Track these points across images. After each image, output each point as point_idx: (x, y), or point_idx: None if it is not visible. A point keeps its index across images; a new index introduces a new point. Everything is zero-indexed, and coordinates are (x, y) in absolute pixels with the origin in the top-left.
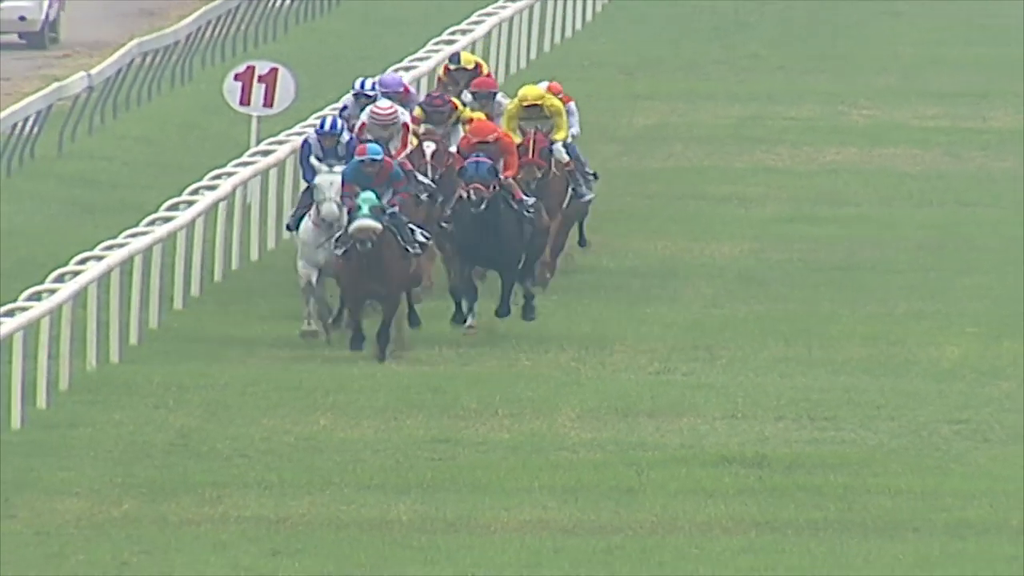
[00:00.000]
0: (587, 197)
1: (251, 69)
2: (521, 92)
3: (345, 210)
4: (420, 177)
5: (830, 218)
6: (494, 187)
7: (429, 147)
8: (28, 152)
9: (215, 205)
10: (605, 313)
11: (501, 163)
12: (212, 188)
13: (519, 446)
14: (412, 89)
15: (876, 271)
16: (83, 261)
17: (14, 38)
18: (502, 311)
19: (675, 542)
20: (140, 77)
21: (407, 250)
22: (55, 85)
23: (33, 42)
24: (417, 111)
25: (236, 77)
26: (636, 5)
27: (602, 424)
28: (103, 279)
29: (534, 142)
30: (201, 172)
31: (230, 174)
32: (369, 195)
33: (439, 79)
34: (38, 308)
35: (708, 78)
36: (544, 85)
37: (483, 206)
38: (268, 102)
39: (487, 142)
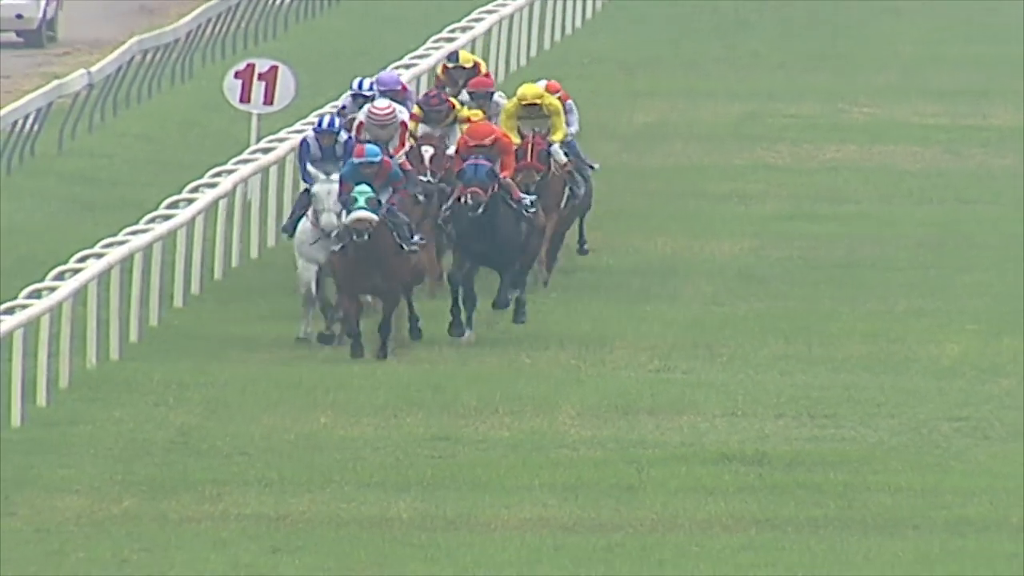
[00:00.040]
0: (581, 191)
1: (251, 67)
2: (520, 91)
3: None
4: (418, 178)
5: (830, 216)
6: (492, 189)
7: (427, 151)
8: (28, 150)
9: (215, 203)
10: (605, 311)
11: (498, 164)
12: (212, 186)
13: (519, 444)
14: (409, 87)
15: (876, 269)
16: (83, 259)
17: (12, 36)
18: (500, 303)
19: (675, 540)
20: (140, 75)
21: (402, 247)
22: (55, 83)
23: (31, 40)
24: (416, 110)
25: (236, 75)
26: (636, 3)
27: (602, 422)
28: (103, 277)
29: (532, 145)
30: (201, 170)
31: (230, 172)
32: (364, 188)
33: (437, 78)
34: (38, 306)
35: (708, 76)
36: (542, 84)
37: (480, 210)
38: (268, 100)
39: (484, 145)
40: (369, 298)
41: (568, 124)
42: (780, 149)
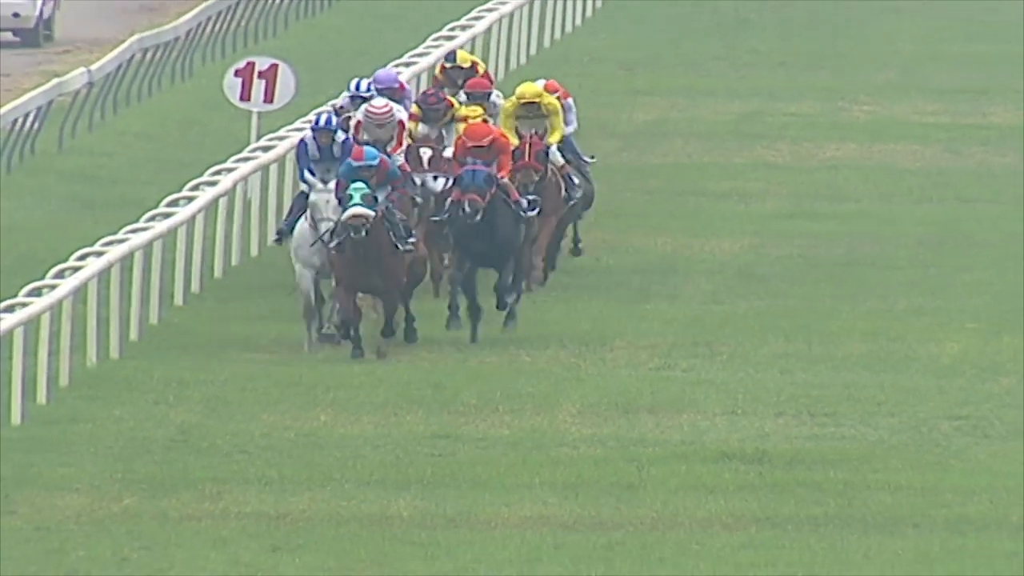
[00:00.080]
0: (578, 194)
1: (251, 65)
2: (519, 89)
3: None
4: (417, 179)
5: (830, 214)
6: (490, 195)
7: (425, 153)
8: (28, 148)
9: (215, 201)
10: (605, 309)
11: (496, 164)
12: (212, 184)
13: (519, 442)
14: (408, 86)
15: (876, 267)
16: (83, 257)
17: (8, 36)
18: (501, 304)
19: (675, 538)
20: (140, 73)
21: (398, 246)
22: (55, 81)
23: (27, 39)
24: (414, 109)
25: (236, 73)
26: (636, 1)
27: (602, 420)
28: (103, 275)
29: (530, 145)
30: (201, 168)
31: (230, 170)
32: (360, 184)
33: (435, 78)
34: (38, 304)
35: (708, 74)
36: (541, 83)
37: (479, 217)
38: (268, 98)
39: (482, 146)
40: (369, 305)
41: (567, 123)
42: (780, 147)
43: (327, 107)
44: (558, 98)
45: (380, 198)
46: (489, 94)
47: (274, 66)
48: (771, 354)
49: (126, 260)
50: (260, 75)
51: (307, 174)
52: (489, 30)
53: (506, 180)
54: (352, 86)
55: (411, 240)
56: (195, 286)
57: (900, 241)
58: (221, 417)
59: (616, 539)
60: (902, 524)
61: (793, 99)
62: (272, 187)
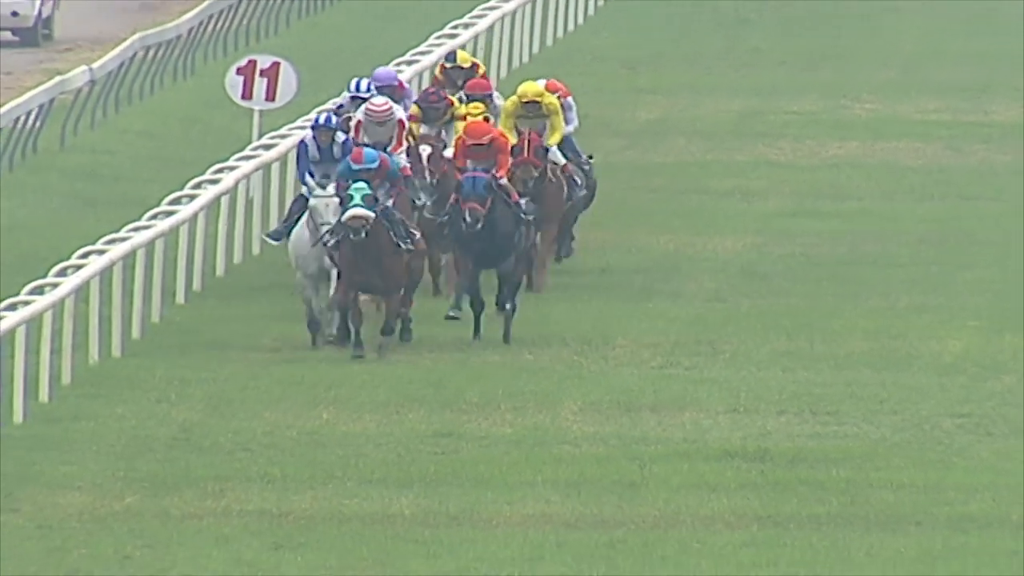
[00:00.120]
0: (581, 193)
1: (253, 63)
2: (520, 89)
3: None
4: (417, 182)
5: (832, 212)
6: (490, 202)
7: (425, 150)
8: (30, 146)
9: (217, 199)
10: (608, 307)
11: (495, 162)
12: (214, 182)
13: (521, 440)
14: (407, 86)
15: (878, 265)
16: (85, 255)
17: (7, 35)
18: (501, 304)
19: (677, 536)
20: (142, 71)
21: (399, 245)
22: (57, 79)
23: (26, 38)
24: (414, 108)
25: (238, 71)
26: (638, 0)
27: (605, 418)
28: (105, 273)
29: (528, 141)
30: (203, 166)
31: (232, 168)
32: (361, 185)
33: (435, 78)
34: (40, 302)
35: (710, 72)
36: (542, 83)
37: (480, 226)
38: (270, 96)
39: (481, 144)
40: (372, 304)
41: (567, 121)
42: (782, 145)
43: (330, 104)
44: (559, 97)
45: (380, 196)
46: (489, 95)
47: (276, 64)
48: (773, 352)
49: (128, 258)
50: (262, 73)
51: (307, 177)
52: (491, 28)
53: (505, 181)
54: (352, 86)
55: (414, 238)
56: (197, 284)
57: (902, 239)
58: (223, 415)
59: (618, 537)
60: (904, 522)
61: (795, 97)
62: (274, 185)
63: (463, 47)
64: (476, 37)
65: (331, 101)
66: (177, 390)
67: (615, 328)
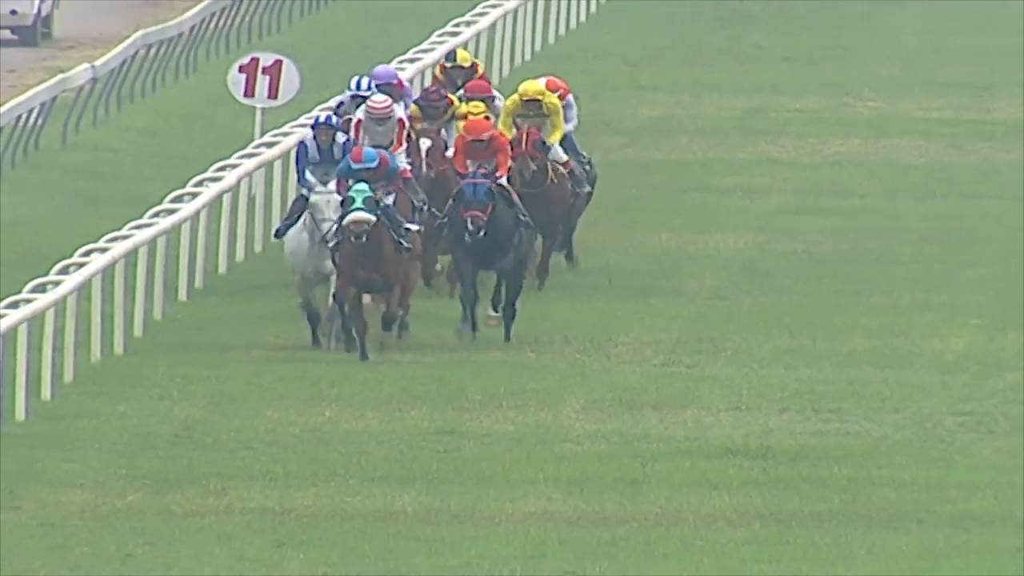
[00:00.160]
0: (587, 189)
1: (255, 61)
2: (521, 87)
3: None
4: (417, 187)
5: (834, 210)
6: (491, 209)
7: (425, 143)
8: (32, 143)
9: (219, 197)
10: (609, 305)
11: (495, 162)
12: (216, 180)
13: (523, 438)
14: (407, 85)
15: (880, 263)
16: (87, 253)
17: (7, 34)
18: (496, 304)
19: (679, 534)
20: (144, 69)
21: (400, 243)
22: (59, 76)
23: (25, 37)
24: (413, 108)
25: (240, 69)
26: None
27: (607, 416)
28: (107, 271)
29: (527, 134)
30: (205, 164)
31: (234, 166)
32: (362, 186)
33: (435, 77)
34: (43, 300)
35: (712, 69)
36: (543, 81)
37: (482, 233)
38: (272, 94)
39: (481, 140)
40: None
41: (567, 120)
42: (784, 143)
43: (331, 102)
44: (560, 96)
45: (381, 195)
46: (490, 97)
47: (278, 62)
48: (775, 350)
49: (130, 256)
50: (264, 71)
51: (307, 175)
52: (493, 26)
53: (505, 182)
54: (352, 84)
55: (411, 230)
56: (199, 282)
57: (904, 237)
58: (225, 413)
59: (620, 535)
60: (906, 520)
61: (797, 95)
62: (276, 183)
63: (465, 45)
64: (478, 35)
65: (333, 99)
66: (179, 387)
67: (617, 326)
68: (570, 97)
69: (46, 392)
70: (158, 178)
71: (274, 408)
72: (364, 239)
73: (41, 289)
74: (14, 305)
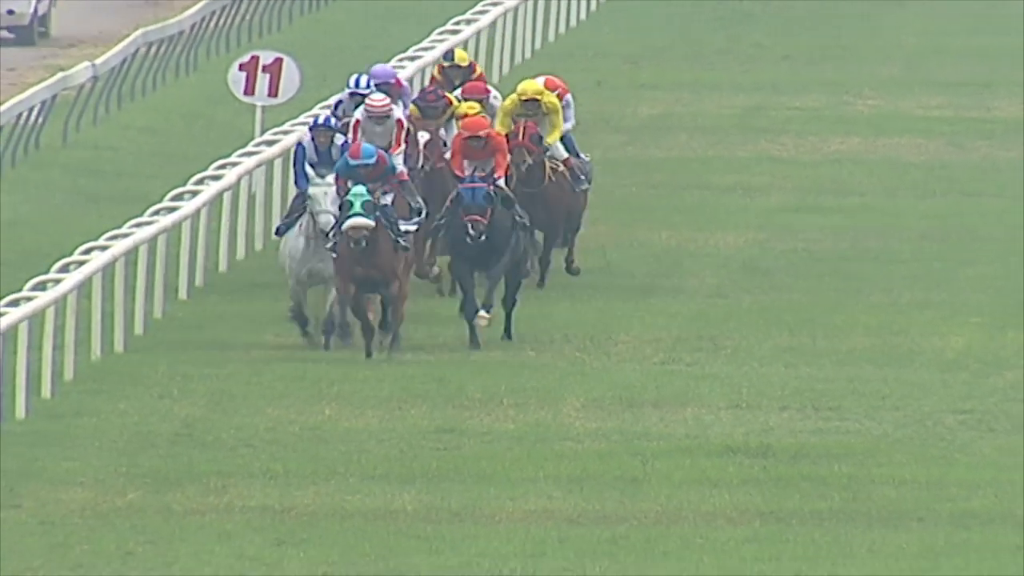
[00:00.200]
0: (584, 186)
1: (255, 59)
2: (520, 87)
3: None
4: (414, 188)
5: (834, 208)
6: (491, 213)
7: (423, 136)
8: (33, 142)
9: (220, 195)
10: (610, 303)
11: (492, 163)
12: (217, 178)
13: (524, 436)
14: (406, 84)
15: (880, 261)
16: (88, 251)
17: (3, 33)
18: (486, 306)
19: (680, 532)
20: (145, 67)
21: (398, 242)
22: (60, 75)
23: (22, 37)
24: (412, 109)
25: (241, 67)
26: None
27: (607, 414)
28: (108, 269)
29: (524, 127)
30: (206, 162)
31: (235, 164)
32: (360, 190)
33: (432, 77)
34: (43, 298)
35: (713, 68)
36: (541, 80)
37: (483, 237)
38: (273, 92)
39: (479, 137)
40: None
41: (565, 119)
42: (784, 141)
43: (331, 100)
44: (558, 95)
45: (379, 194)
46: (488, 97)
47: (278, 60)
48: (775, 348)
49: (130, 254)
50: (264, 69)
51: (307, 167)
52: (494, 24)
53: (504, 185)
54: (351, 82)
55: (408, 230)
56: (199, 280)
57: (904, 235)
58: (226, 411)
59: (620, 533)
60: (906, 518)
61: (797, 93)
62: (276, 181)
63: (465, 43)
64: (478, 33)
65: (333, 97)
66: (179, 386)
67: (617, 324)
68: (568, 97)
69: (46, 390)
70: (158, 176)
71: (274, 406)
72: (363, 245)
73: (41, 287)
74: (15, 303)
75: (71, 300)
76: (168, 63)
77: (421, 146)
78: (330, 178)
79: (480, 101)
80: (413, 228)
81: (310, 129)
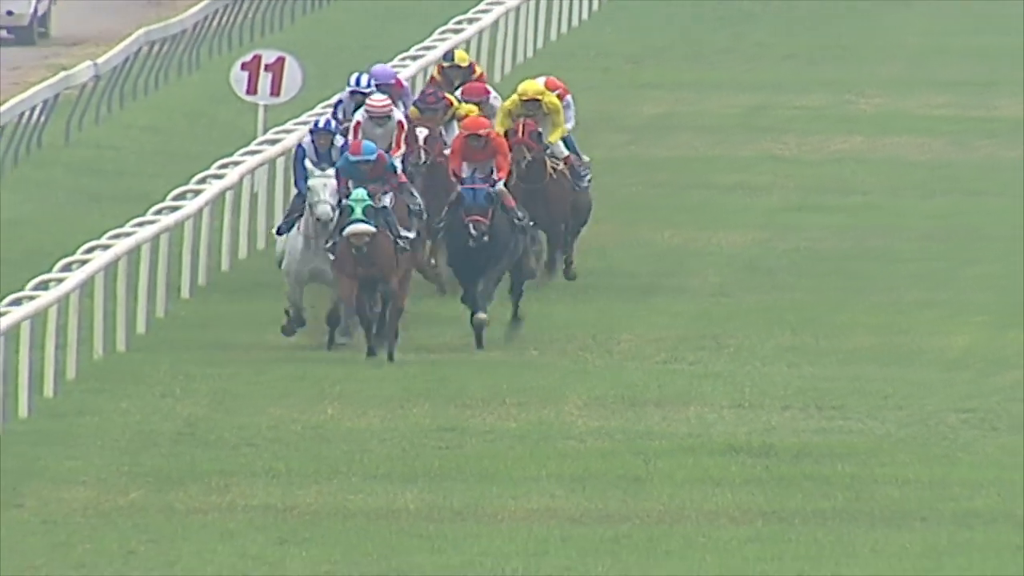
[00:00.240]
0: (584, 183)
1: (258, 58)
2: (520, 87)
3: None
4: (413, 191)
5: (837, 207)
6: (493, 213)
7: (422, 132)
8: (35, 141)
9: (222, 194)
10: (612, 302)
11: (493, 163)
12: (219, 177)
13: (526, 435)
14: (406, 84)
15: (883, 260)
16: (90, 250)
17: (3, 33)
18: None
19: (682, 531)
20: (147, 66)
21: (397, 242)
22: (62, 74)
23: (21, 37)
24: (413, 111)
25: (243, 66)
26: None
27: (609, 413)
28: (110, 268)
29: (524, 125)
30: (208, 161)
31: (237, 163)
32: (361, 194)
33: (432, 78)
34: (45, 297)
35: (715, 67)
36: (541, 80)
37: (485, 238)
38: (275, 91)
39: (479, 135)
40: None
41: (566, 120)
42: (787, 140)
43: (333, 99)
44: (558, 95)
45: (379, 196)
46: (488, 99)
47: (281, 59)
48: (778, 347)
49: (133, 253)
50: (267, 68)
51: (307, 163)
52: (496, 24)
53: (503, 187)
54: (352, 81)
55: (407, 236)
56: (202, 279)
57: (907, 234)
58: (228, 410)
59: (623, 532)
60: (909, 518)
61: (800, 92)
62: (279, 180)
63: (467, 42)
64: (480, 33)
65: (335, 96)
66: (182, 385)
67: (619, 323)
68: (568, 97)
69: (48, 389)
70: (161, 175)
71: (277, 405)
72: (364, 251)
73: (44, 286)
74: (17, 302)
75: (73, 299)
76: (170, 62)
77: (420, 141)
78: (330, 171)
79: (479, 103)
80: (413, 235)
81: (310, 132)
